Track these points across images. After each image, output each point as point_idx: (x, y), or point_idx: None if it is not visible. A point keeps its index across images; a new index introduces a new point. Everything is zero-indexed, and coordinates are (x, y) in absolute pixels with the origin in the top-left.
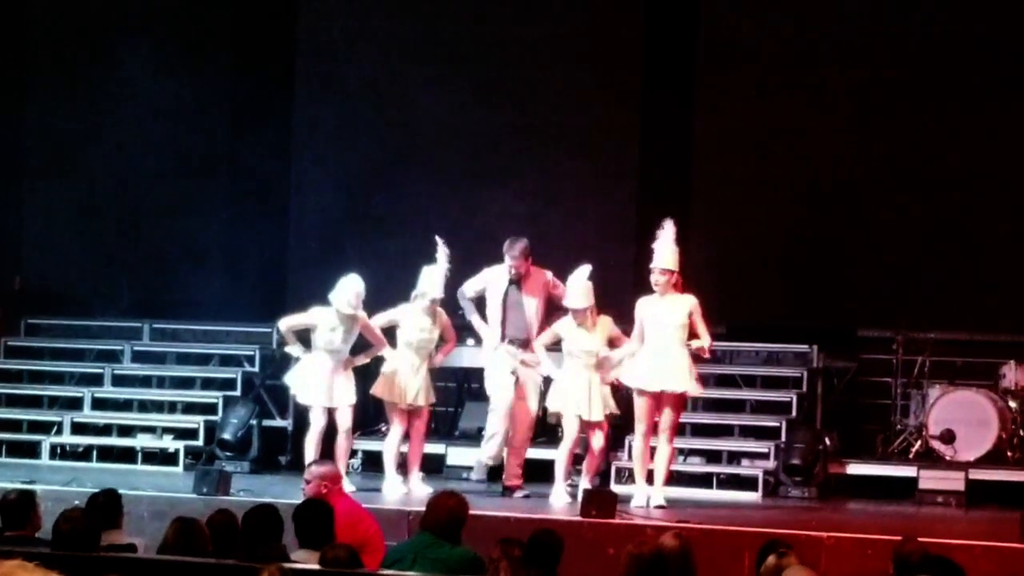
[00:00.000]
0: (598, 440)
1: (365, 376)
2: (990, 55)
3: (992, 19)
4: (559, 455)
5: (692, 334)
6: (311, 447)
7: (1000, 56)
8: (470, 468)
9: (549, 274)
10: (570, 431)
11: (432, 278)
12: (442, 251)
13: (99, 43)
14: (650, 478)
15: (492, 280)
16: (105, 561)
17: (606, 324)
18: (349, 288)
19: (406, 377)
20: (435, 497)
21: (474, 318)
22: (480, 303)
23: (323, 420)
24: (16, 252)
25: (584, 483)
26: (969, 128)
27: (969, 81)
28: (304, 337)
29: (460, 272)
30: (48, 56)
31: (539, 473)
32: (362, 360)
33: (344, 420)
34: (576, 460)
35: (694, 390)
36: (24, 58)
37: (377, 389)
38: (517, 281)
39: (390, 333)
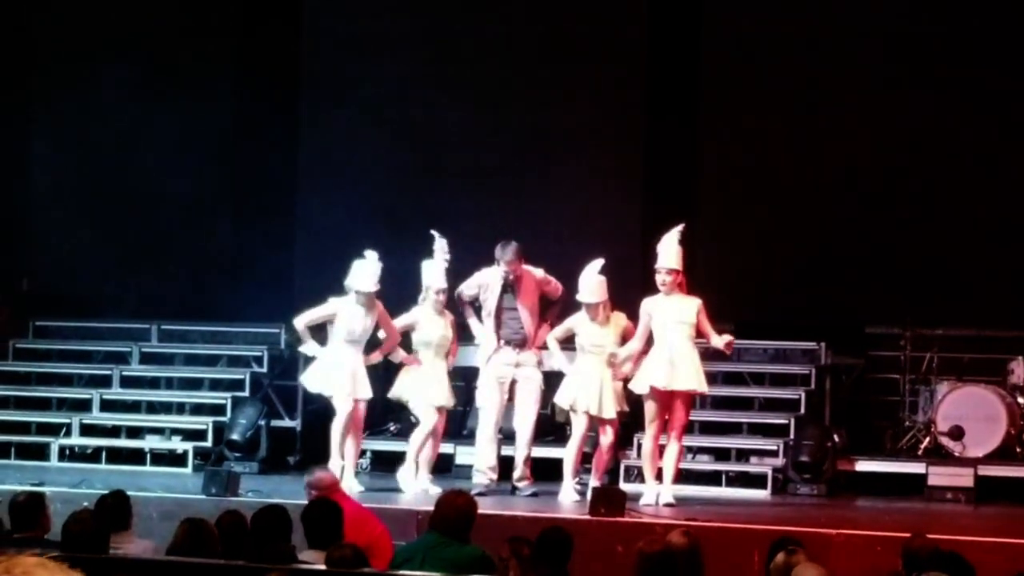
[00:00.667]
0: (607, 437)
1: (374, 378)
2: (1000, 51)
3: (997, 17)
4: (568, 453)
5: (698, 336)
6: (338, 435)
7: (1012, 50)
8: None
9: (540, 272)
10: (579, 428)
11: (432, 271)
12: (439, 243)
13: (107, 45)
14: (659, 476)
15: (486, 283)
16: (114, 562)
17: (620, 320)
18: (367, 266)
19: (429, 378)
20: (444, 496)
21: (472, 322)
22: (477, 305)
23: (349, 406)
24: (24, 254)
25: (593, 481)
26: (976, 124)
27: (976, 77)
28: (318, 336)
29: (469, 273)
30: (54, 60)
31: (547, 471)
32: (376, 358)
33: (357, 418)
34: (585, 458)
35: (703, 388)
36: (30, 63)
37: (401, 392)
38: (511, 284)
39: (404, 337)
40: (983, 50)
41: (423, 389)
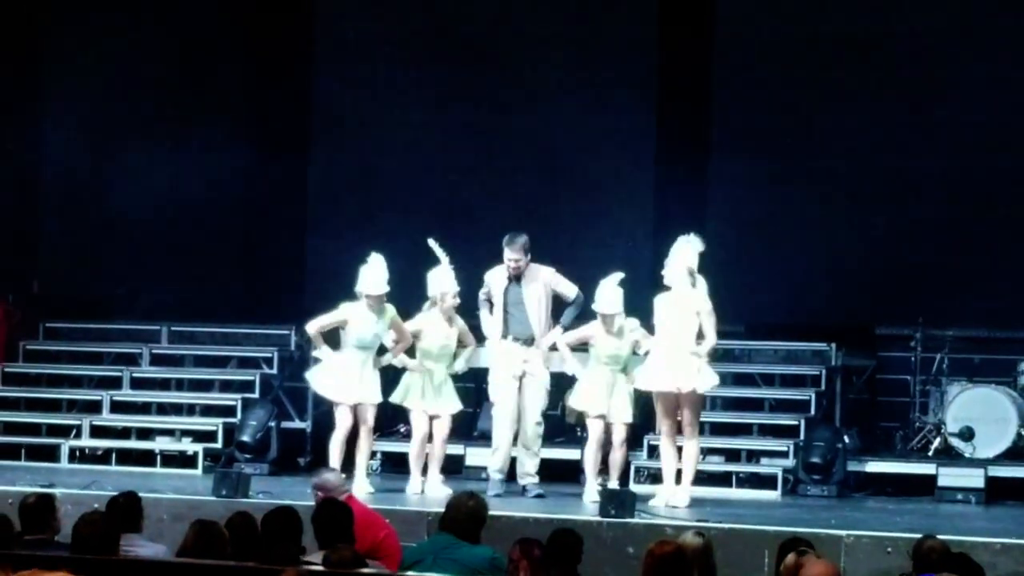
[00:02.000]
0: (620, 436)
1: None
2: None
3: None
4: (586, 455)
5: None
6: (335, 448)
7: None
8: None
9: (551, 270)
10: (594, 432)
11: (442, 277)
12: (439, 251)
13: (120, 47)
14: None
15: (493, 280)
16: (124, 564)
17: (633, 328)
18: (374, 270)
19: (426, 386)
20: (454, 498)
21: (483, 313)
22: (491, 302)
23: (349, 420)
24: (34, 256)
25: (612, 483)
26: (987, 124)
27: (989, 75)
28: (331, 342)
29: (475, 273)
30: (64, 65)
31: (556, 472)
32: (388, 359)
33: (367, 419)
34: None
35: (703, 387)
36: (40, 66)
37: (397, 396)
38: (517, 278)
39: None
40: (998, 46)
41: (416, 396)
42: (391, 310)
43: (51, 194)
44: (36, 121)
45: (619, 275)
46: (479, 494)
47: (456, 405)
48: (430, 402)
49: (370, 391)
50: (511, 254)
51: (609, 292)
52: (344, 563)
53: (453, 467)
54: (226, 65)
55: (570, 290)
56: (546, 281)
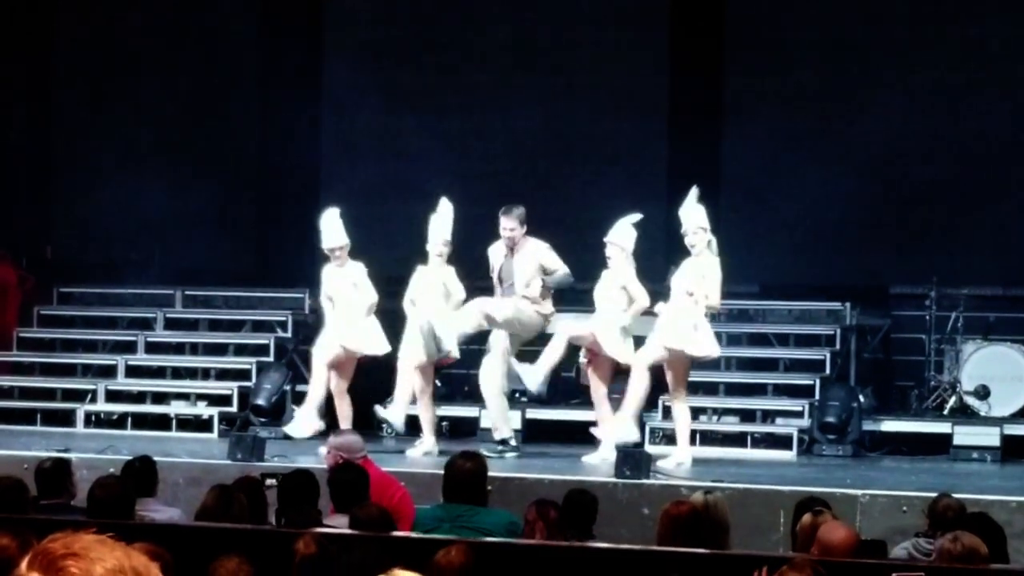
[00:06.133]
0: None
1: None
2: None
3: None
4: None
5: None
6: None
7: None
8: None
9: (546, 246)
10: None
11: (436, 224)
12: (445, 206)
13: (129, 19)
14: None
15: (492, 255)
16: (141, 528)
17: (612, 274)
18: (326, 223)
19: (409, 336)
20: (450, 463)
21: None
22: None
23: (319, 372)
24: (47, 221)
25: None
26: (1001, 83)
27: (996, 38)
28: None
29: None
30: (76, 26)
31: (571, 434)
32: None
33: (339, 373)
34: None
35: (681, 347)
36: (51, 27)
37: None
38: (511, 249)
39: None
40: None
41: (404, 348)
42: (355, 266)
43: (63, 158)
44: (47, 85)
45: (637, 216)
46: (474, 452)
47: (434, 350)
48: (416, 354)
49: (339, 343)
50: (506, 222)
51: (618, 225)
52: (372, 520)
53: (467, 430)
54: (237, 40)
55: (557, 267)
56: (534, 254)
